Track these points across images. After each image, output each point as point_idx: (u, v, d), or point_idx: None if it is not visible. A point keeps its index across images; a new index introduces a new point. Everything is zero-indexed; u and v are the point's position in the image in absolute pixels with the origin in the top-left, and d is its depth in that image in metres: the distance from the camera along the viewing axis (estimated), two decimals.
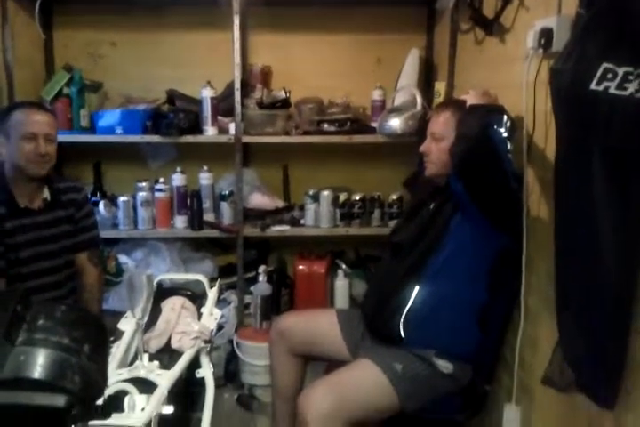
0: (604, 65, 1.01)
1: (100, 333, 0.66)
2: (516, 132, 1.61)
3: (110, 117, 2.53)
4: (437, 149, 1.79)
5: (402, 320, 1.76)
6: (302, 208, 2.70)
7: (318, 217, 2.64)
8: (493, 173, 1.58)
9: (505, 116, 1.56)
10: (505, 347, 1.85)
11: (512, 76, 1.78)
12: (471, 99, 1.70)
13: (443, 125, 1.77)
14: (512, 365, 1.72)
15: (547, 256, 1.50)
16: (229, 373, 2.57)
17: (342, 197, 2.65)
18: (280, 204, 2.74)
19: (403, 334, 1.76)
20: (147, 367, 1.37)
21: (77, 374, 0.59)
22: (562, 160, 1.20)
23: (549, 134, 1.54)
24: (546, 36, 1.45)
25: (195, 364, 1.61)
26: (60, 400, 0.57)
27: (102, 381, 0.64)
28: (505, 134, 1.54)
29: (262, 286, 2.52)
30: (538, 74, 1.57)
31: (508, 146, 1.56)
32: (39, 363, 0.58)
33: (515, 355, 1.70)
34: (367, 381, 1.70)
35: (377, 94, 2.64)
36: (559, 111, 1.18)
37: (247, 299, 2.64)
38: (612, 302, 1.15)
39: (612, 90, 1.01)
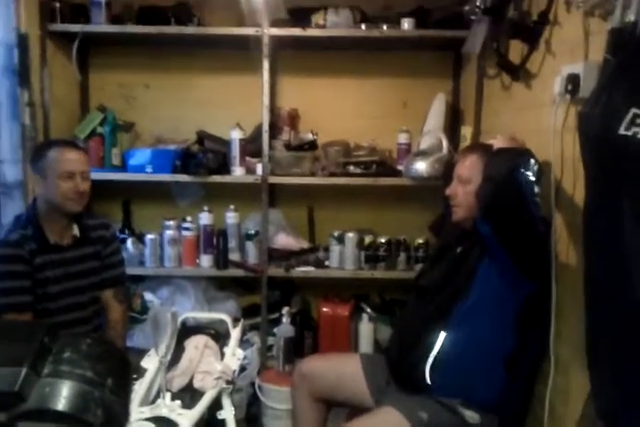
0: (633, 110, 1.01)
1: (123, 367, 0.66)
2: (543, 176, 1.60)
3: (141, 156, 2.59)
4: (464, 193, 1.79)
5: (428, 367, 1.73)
6: (327, 249, 2.69)
7: (343, 259, 2.64)
8: (520, 215, 1.57)
9: (532, 160, 1.56)
10: (534, 398, 1.79)
11: (539, 121, 1.79)
12: (498, 143, 1.71)
13: (469, 168, 1.78)
14: (542, 417, 1.66)
15: (577, 303, 1.47)
16: (251, 416, 2.53)
17: (367, 239, 2.64)
18: (305, 244, 2.74)
19: (429, 381, 1.72)
20: (168, 406, 1.36)
21: (100, 407, 0.59)
22: (591, 206, 1.19)
23: (577, 180, 1.53)
24: (572, 81, 1.46)
25: (216, 405, 1.59)
26: None
27: (124, 415, 0.64)
28: (532, 177, 1.54)
29: (285, 328, 2.49)
30: (565, 119, 1.57)
31: (536, 189, 1.55)
32: (63, 395, 0.58)
33: (545, 407, 1.64)
34: None
35: (403, 137, 2.67)
36: (588, 156, 1.17)
37: (270, 340, 2.62)
38: None
39: None
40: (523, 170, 1.53)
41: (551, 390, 1.62)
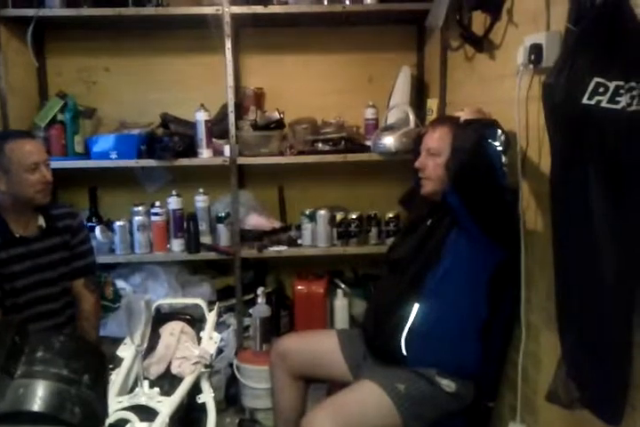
0: (596, 79, 1.02)
1: (99, 362, 0.65)
2: (511, 146, 1.62)
3: (105, 143, 2.53)
4: (433, 165, 1.79)
5: (403, 338, 1.75)
6: (299, 228, 2.69)
7: (315, 237, 2.63)
8: (488, 185, 1.59)
9: (499, 130, 1.58)
10: (507, 363, 1.83)
11: (503, 91, 1.80)
12: (465, 115, 1.71)
13: (438, 141, 1.78)
14: (515, 381, 1.71)
15: (545, 270, 1.50)
16: (230, 397, 2.53)
17: (339, 216, 2.63)
18: (277, 224, 2.73)
19: (405, 353, 1.75)
20: (147, 394, 1.36)
21: (77, 405, 0.58)
22: (556, 175, 1.20)
23: (543, 148, 1.55)
24: (535, 51, 1.47)
25: (195, 389, 1.59)
26: None
27: (103, 411, 0.63)
28: (500, 148, 1.55)
29: (261, 308, 2.49)
30: (529, 89, 1.58)
31: (503, 159, 1.57)
32: (39, 395, 0.57)
33: (517, 371, 1.69)
34: (370, 402, 1.68)
35: (370, 113, 2.66)
36: (552, 126, 1.18)
37: (246, 321, 2.62)
38: (613, 317, 1.14)
39: (604, 104, 1.02)
40: (490, 140, 1.55)
41: (523, 355, 1.66)
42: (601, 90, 1.01)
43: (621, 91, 1.00)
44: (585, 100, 1.03)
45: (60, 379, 0.58)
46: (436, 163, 1.78)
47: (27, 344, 0.61)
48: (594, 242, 1.11)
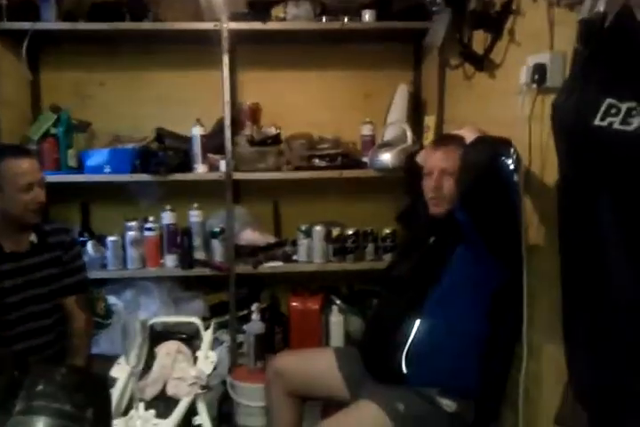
0: (608, 100, 1.00)
1: (103, 395, 0.62)
2: (521, 165, 1.61)
3: (98, 157, 2.50)
4: (449, 185, 1.76)
5: (403, 356, 1.72)
6: (295, 244, 2.66)
7: (311, 252, 2.61)
8: (500, 203, 1.58)
9: (512, 148, 1.56)
10: (509, 383, 1.80)
11: (503, 110, 1.80)
12: (467, 133, 1.70)
13: (453, 161, 1.74)
14: (517, 401, 1.68)
15: (548, 289, 1.49)
16: (223, 415, 2.49)
17: (335, 231, 2.62)
18: (272, 240, 2.70)
19: (405, 371, 1.72)
20: (142, 417, 1.32)
21: None
22: (566, 198, 1.18)
23: (546, 167, 1.54)
24: (539, 71, 1.47)
25: (190, 410, 1.55)
26: None
27: None
28: (512, 166, 1.54)
29: (255, 325, 2.46)
30: (532, 108, 1.57)
31: (515, 177, 1.56)
32: None
33: (519, 391, 1.66)
34: (369, 423, 1.65)
35: (366, 129, 2.65)
36: (561, 147, 1.17)
37: (240, 338, 2.58)
38: (626, 345, 1.11)
39: (617, 125, 1.00)
40: (504, 158, 1.54)
41: (525, 375, 1.64)
42: (613, 111, 1.00)
43: (633, 112, 0.99)
44: (597, 122, 1.02)
45: (62, 415, 0.55)
46: (452, 183, 1.76)
47: (26, 378, 0.57)
48: (605, 263, 1.09)
